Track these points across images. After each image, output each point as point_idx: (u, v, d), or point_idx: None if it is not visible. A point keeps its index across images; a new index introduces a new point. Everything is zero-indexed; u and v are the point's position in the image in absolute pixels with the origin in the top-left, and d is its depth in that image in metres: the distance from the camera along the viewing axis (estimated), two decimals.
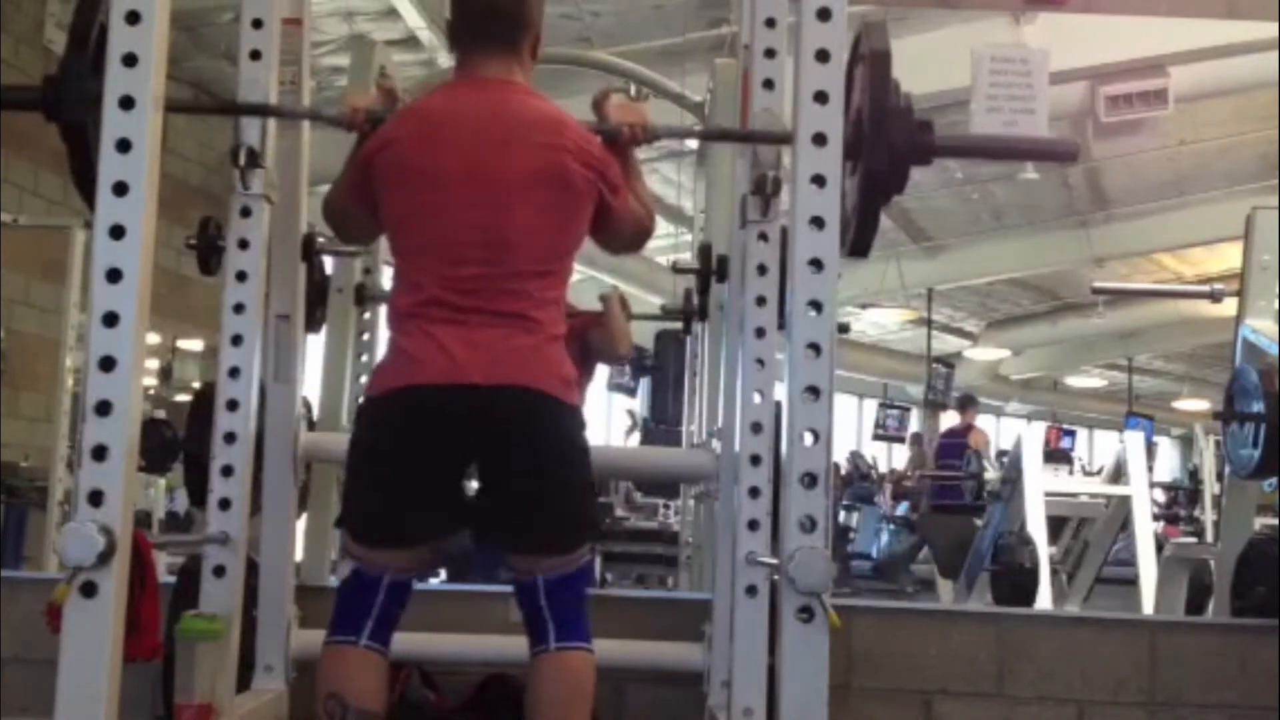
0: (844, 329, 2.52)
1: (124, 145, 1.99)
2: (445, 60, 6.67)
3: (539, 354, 2.22)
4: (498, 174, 2.23)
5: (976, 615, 3.90)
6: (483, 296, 2.20)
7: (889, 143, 2.14)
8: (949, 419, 12.03)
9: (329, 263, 3.64)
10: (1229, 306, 3.69)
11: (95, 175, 2.00)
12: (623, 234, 2.41)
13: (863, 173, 2.18)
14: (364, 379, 3.87)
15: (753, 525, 2.62)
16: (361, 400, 2.43)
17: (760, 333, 2.70)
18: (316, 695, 2.21)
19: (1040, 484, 5.97)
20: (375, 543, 2.25)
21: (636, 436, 8.77)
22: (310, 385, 3.57)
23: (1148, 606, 5.35)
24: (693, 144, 5.35)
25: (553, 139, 2.28)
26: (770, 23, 2.66)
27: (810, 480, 2.07)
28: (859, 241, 2.21)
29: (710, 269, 3.26)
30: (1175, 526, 9.24)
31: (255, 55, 2.70)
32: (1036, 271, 12.44)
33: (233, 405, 2.69)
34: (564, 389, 2.25)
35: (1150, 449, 7.72)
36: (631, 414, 9.46)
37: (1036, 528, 5.77)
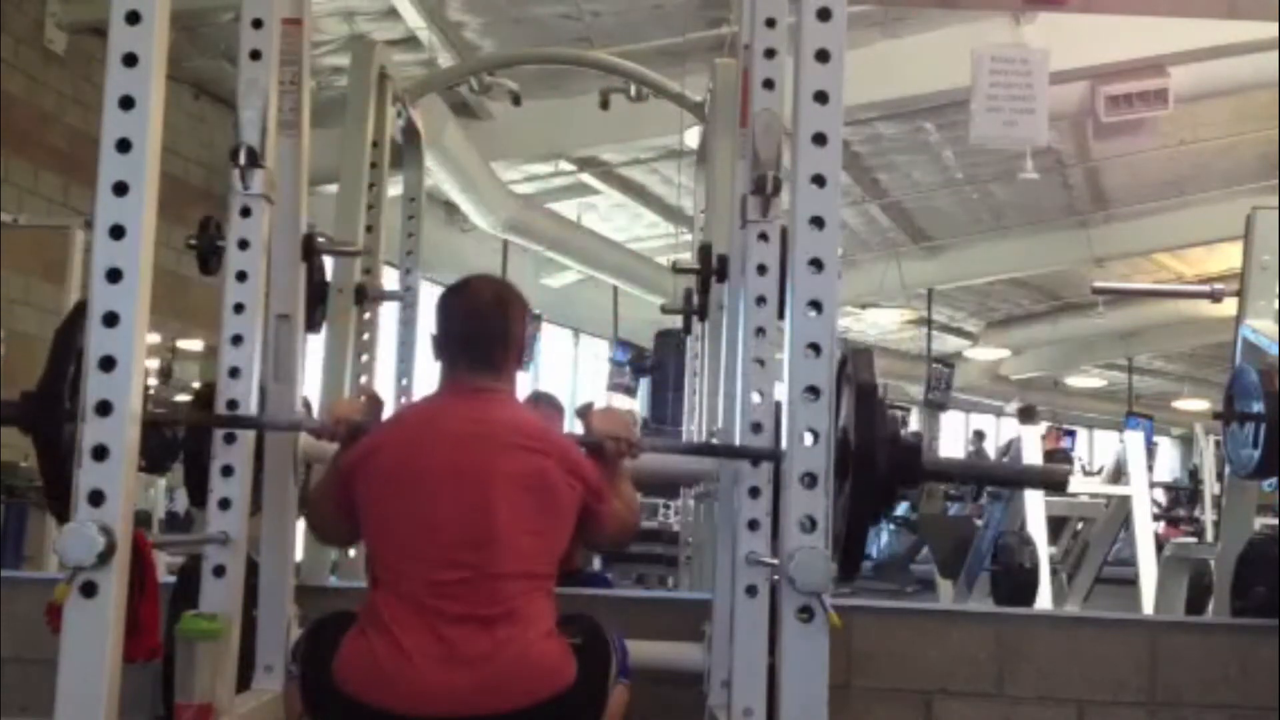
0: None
1: (124, 145, 1.99)
2: (445, 60, 6.67)
3: (528, 659, 2.20)
4: (482, 474, 2.25)
5: (976, 615, 3.89)
6: (468, 602, 2.19)
7: (876, 471, 2.19)
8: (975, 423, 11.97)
9: (329, 263, 3.63)
10: (1229, 306, 3.69)
11: (69, 485, 1.96)
12: (607, 535, 2.45)
13: (849, 497, 2.21)
14: (364, 379, 3.87)
15: (753, 525, 2.62)
16: (312, 676, 2.35)
17: (760, 333, 2.70)
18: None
19: None
20: None
21: None
22: (310, 385, 3.57)
23: (1148, 606, 5.35)
24: (693, 144, 5.34)
25: (537, 445, 2.31)
26: (770, 23, 2.66)
27: (810, 480, 2.07)
28: (847, 564, 2.23)
29: (710, 269, 3.26)
30: (1175, 526, 9.25)
31: (255, 55, 2.70)
32: (1036, 271, 12.44)
33: (233, 405, 2.69)
34: (560, 679, 2.23)
35: (1150, 449, 7.73)
36: (631, 414, 9.46)
37: (1036, 528, 5.77)
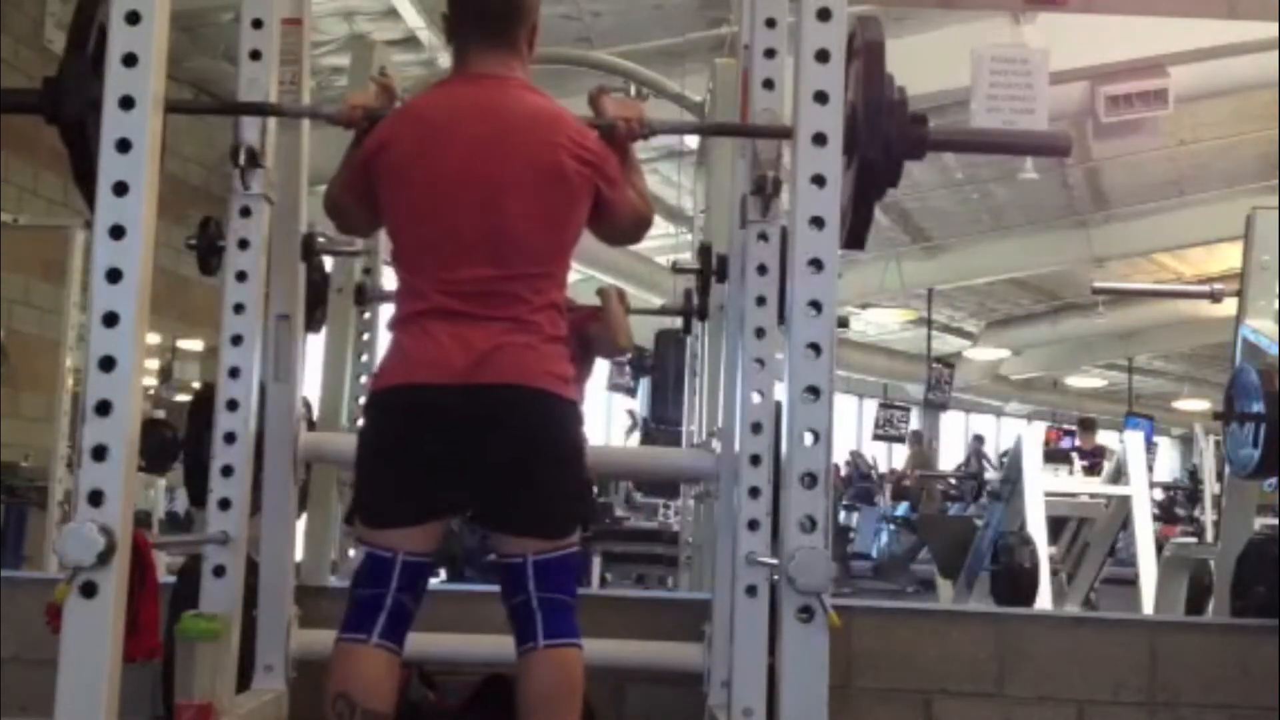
0: (843, 323, 2.53)
1: (124, 145, 2.00)
2: (445, 60, 6.64)
3: (535, 352, 2.24)
4: (494, 173, 2.24)
5: (976, 615, 3.90)
6: (481, 301, 2.22)
7: (883, 136, 2.15)
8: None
9: (329, 263, 3.64)
10: (1229, 306, 3.69)
11: (96, 175, 2.00)
12: (621, 226, 2.41)
13: (857, 166, 2.19)
14: (364, 379, 3.87)
15: (753, 525, 2.62)
16: (366, 397, 2.46)
17: (760, 333, 2.71)
18: (325, 694, 2.20)
19: (1040, 484, 5.97)
20: (385, 522, 2.25)
21: (636, 436, 8.77)
22: (310, 385, 3.57)
23: (1148, 606, 5.35)
24: (692, 144, 5.35)
25: (549, 136, 2.28)
26: (770, 23, 2.66)
27: (810, 480, 2.07)
28: (854, 234, 2.22)
29: (710, 269, 3.26)
30: (1174, 527, 9.24)
31: (255, 55, 2.70)
32: (1036, 271, 12.43)
33: (233, 405, 2.69)
34: (559, 384, 2.26)
35: (1150, 449, 7.73)
36: (631, 414, 9.46)
37: (1036, 528, 5.77)
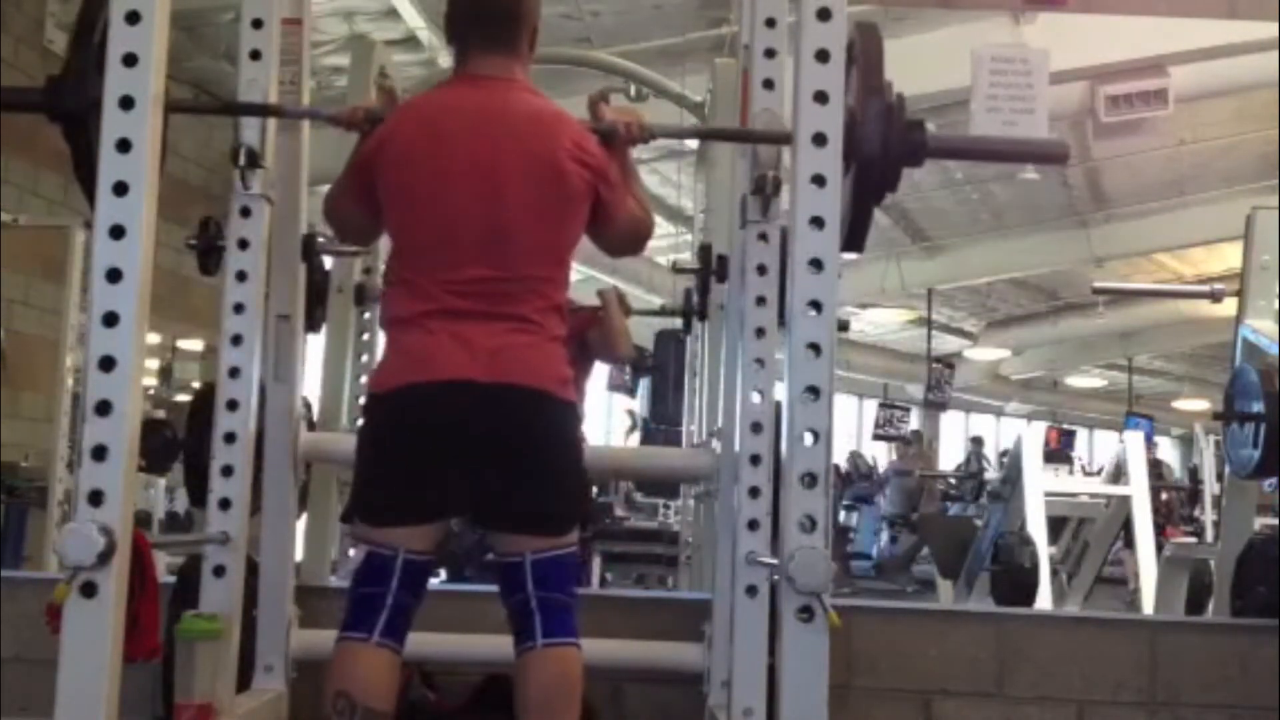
0: (843, 326, 2.53)
1: (124, 145, 2.00)
2: (445, 60, 6.66)
3: (536, 352, 2.24)
4: (495, 169, 2.24)
5: (976, 615, 3.89)
6: (483, 300, 2.22)
7: (882, 142, 2.16)
8: None
9: (329, 263, 3.64)
10: (1229, 306, 3.69)
11: (97, 173, 2.00)
12: (620, 233, 2.41)
13: (856, 172, 2.19)
14: (364, 379, 3.87)
15: (753, 525, 2.62)
16: (366, 397, 2.45)
17: (760, 333, 2.71)
18: (325, 692, 2.20)
19: (1040, 484, 5.97)
20: (388, 520, 2.25)
21: (636, 436, 8.77)
22: (310, 385, 3.57)
23: (1148, 606, 5.35)
24: (693, 144, 5.35)
25: (549, 136, 2.28)
26: (770, 23, 2.67)
27: (810, 480, 2.07)
28: (852, 239, 2.23)
29: (710, 269, 3.26)
30: (1174, 527, 9.24)
31: (255, 55, 2.70)
32: (1036, 271, 12.43)
33: (233, 405, 2.69)
34: (558, 385, 2.27)
35: (1150, 449, 7.72)
36: (631, 414, 9.45)
37: (1036, 528, 5.77)
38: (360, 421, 2.43)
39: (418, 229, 2.28)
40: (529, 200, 2.25)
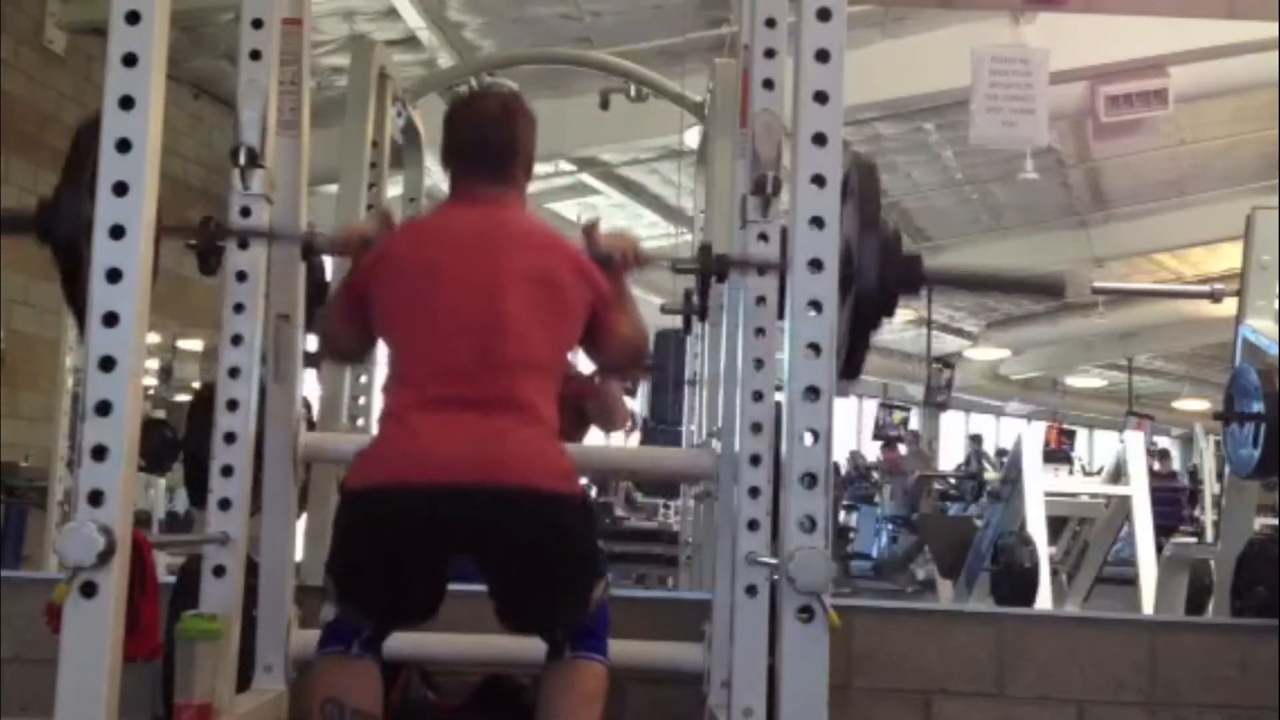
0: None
1: (124, 145, 2.00)
2: (445, 60, 6.67)
3: (534, 447, 2.20)
4: (492, 269, 2.25)
5: (976, 615, 3.89)
6: (477, 384, 2.19)
7: (879, 276, 2.20)
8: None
9: (329, 263, 3.63)
10: (1229, 306, 3.69)
11: (88, 299, 1.97)
12: (616, 350, 2.42)
13: (853, 302, 2.21)
14: (364, 379, 3.87)
15: (753, 525, 2.62)
16: (342, 488, 2.36)
17: (760, 333, 2.70)
18: (312, 705, 2.22)
19: (1040, 484, 5.97)
20: (357, 615, 2.26)
21: (636, 436, 8.76)
22: (310, 385, 3.57)
23: (1148, 606, 5.35)
24: (693, 144, 5.34)
25: (550, 250, 2.32)
26: (770, 23, 2.66)
27: (810, 480, 2.07)
28: (849, 366, 2.25)
29: (710, 269, 3.26)
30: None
31: (255, 55, 2.70)
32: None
33: (233, 405, 2.69)
34: (566, 481, 2.24)
35: (1150, 449, 7.72)
36: (631, 414, 9.44)
37: (1036, 528, 5.77)
38: (336, 511, 2.38)
39: (411, 323, 2.27)
40: (525, 297, 2.24)
